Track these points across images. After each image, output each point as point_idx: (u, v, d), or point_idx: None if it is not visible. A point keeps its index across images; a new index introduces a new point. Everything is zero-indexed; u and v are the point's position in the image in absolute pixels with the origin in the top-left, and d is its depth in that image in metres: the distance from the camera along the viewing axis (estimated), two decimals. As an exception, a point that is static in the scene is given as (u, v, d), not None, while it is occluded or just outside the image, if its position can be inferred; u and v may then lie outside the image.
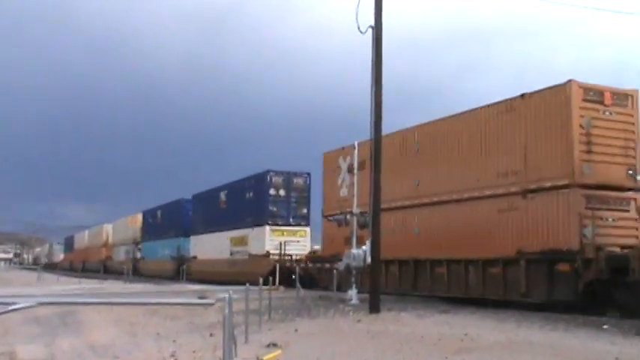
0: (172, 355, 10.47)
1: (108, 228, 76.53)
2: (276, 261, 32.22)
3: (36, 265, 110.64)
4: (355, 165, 23.91)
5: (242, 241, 36.66)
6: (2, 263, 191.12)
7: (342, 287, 23.26)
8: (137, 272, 56.26)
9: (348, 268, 21.71)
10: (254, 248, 34.84)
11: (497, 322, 14.94)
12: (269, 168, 35.64)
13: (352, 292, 21.04)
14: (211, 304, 10.57)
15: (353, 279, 21.39)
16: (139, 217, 62.36)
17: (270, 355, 10.41)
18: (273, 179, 34.90)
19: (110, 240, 74.03)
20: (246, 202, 36.89)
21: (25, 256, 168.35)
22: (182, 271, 42.41)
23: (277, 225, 34.33)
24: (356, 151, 23.85)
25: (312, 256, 31.88)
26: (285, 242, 33.26)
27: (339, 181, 27.51)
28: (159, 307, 17.57)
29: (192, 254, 45.31)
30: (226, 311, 9.99)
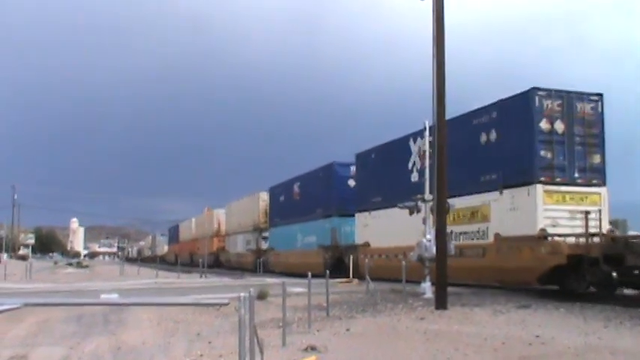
0: (192, 362, 9.43)
1: (219, 214, 64.20)
2: (576, 247, 18.15)
3: (140, 258, 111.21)
4: None
5: (474, 214, 22.50)
6: (107, 257, 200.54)
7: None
8: (265, 267, 44.68)
9: (420, 259, 20.26)
10: (507, 225, 20.53)
11: (582, 321, 13.10)
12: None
13: (425, 286, 19.62)
14: (226, 304, 9.51)
15: (427, 271, 19.90)
16: (264, 196, 49.30)
17: (300, 363, 9.16)
18: (544, 103, 19.93)
19: (223, 228, 62.64)
20: (483, 148, 22.01)
21: (130, 249, 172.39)
22: (350, 263, 29.33)
23: (555, 183, 19.70)
24: None
25: None
26: (586, 213, 18.19)
27: None
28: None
29: (359, 240, 31.18)
30: (242, 312, 8.79)
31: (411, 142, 26.04)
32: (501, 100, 21.20)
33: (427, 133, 21.47)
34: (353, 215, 32.17)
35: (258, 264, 44.83)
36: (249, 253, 50.53)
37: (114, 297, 20.31)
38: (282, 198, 44.32)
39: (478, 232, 22.17)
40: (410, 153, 26.21)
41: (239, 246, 54.67)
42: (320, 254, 35.10)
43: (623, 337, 10.91)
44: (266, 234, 47.39)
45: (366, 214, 30.44)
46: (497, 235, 20.85)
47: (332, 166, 35.72)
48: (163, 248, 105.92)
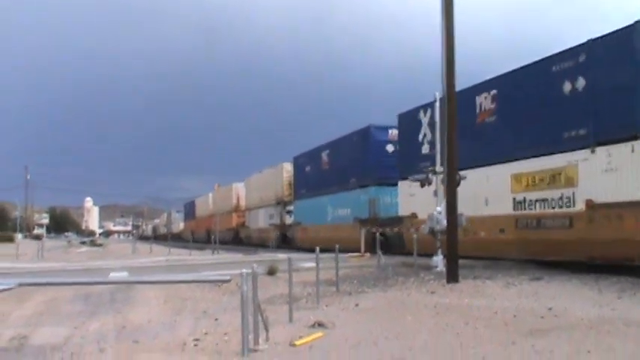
0: (197, 339, 9.25)
1: (238, 188, 61.36)
2: None
3: (155, 236, 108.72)
4: None
5: (555, 177, 18.87)
6: (121, 236, 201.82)
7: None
8: (290, 243, 42.52)
9: (432, 232, 20.03)
10: (602, 190, 17.16)
11: (596, 292, 12.84)
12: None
13: (437, 259, 19.46)
14: (227, 281, 9.33)
15: (438, 244, 19.69)
16: (287, 167, 45.74)
17: (305, 340, 8.96)
18: None
19: (243, 203, 59.68)
20: (567, 99, 18.36)
21: (145, 227, 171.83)
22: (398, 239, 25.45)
23: None
24: None
25: None
26: None
27: None
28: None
29: (404, 212, 27.00)
30: (244, 289, 8.60)
31: (421, 114, 25.59)
32: (592, 40, 17.64)
33: (437, 104, 21.03)
34: (393, 184, 28.64)
35: (277, 239, 42.02)
36: (273, 228, 47.40)
37: (123, 275, 20.27)
38: (308, 168, 40.43)
39: (561, 198, 18.52)
40: (420, 124, 25.75)
41: (261, 221, 51.47)
42: (356, 228, 30.96)
43: (638, 308, 10.63)
44: (291, 207, 44.09)
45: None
46: (589, 202, 17.34)
47: (368, 129, 31.69)
48: (179, 225, 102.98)
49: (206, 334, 9.77)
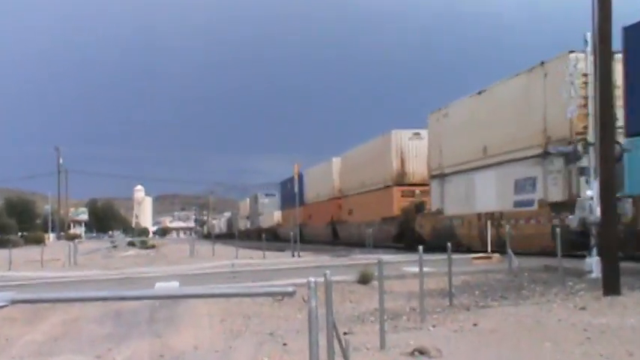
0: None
1: (401, 139, 43.57)
2: None
3: (230, 233, 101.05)
4: None
5: None
6: (181, 233, 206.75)
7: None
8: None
9: (584, 225, 19.19)
10: None
11: None
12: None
13: (591, 261, 18.59)
14: (290, 294, 8.99)
15: (593, 241, 18.80)
16: (569, 63, 21.93)
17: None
18: None
19: (412, 168, 42.85)
20: None
21: (215, 221, 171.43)
22: None
23: None
24: None
25: None
26: None
27: None
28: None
29: None
30: (312, 304, 8.19)
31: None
32: None
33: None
34: None
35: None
36: (541, 211, 26.97)
37: (173, 285, 20.50)
38: None
39: None
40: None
41: (483, 198, 32.02)
42: None
43: None
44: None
45: None
46: None
47: None
48: (272, 216, 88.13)
49: (266, 367, 9.61)
